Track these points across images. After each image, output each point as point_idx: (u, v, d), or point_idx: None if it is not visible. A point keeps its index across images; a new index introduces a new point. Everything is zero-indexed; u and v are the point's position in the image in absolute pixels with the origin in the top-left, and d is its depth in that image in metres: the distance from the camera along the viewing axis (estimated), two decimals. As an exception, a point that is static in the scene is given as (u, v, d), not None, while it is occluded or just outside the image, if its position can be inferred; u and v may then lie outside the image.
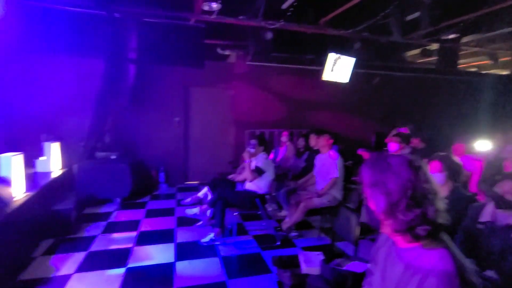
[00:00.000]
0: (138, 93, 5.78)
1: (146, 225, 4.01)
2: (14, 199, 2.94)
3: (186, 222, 4.12)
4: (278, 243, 3.52)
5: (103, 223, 4.03)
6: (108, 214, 4.39)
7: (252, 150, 3.74)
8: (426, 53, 6.01)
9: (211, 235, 3.46)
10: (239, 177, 4.02)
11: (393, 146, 3.91)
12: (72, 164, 4.80)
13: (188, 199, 4.47)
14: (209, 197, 4.29)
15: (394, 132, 5.12)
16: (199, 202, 4.42)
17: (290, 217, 3.75)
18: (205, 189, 4.24)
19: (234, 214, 3.46)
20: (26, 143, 4.74)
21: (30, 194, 3.26)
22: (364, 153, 5.96)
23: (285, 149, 5.24)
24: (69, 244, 3.37)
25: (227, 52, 6.73)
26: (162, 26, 5.75)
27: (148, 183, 5.74)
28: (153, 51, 5.66)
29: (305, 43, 6.43)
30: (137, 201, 5.04)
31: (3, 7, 4.00)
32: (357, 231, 1.98)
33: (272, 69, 6.79)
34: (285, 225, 3.73)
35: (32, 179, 3.78)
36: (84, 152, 5.05)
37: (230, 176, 4.24)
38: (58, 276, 2.73)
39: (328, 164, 3.75)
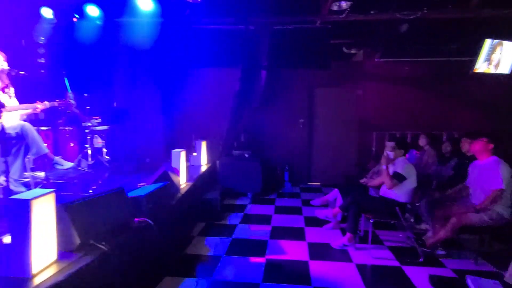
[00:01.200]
0: (267, 96, 6.20)
1: (277, 221, 4.24)
2: (181, 187, 3.60)
3: (315, 222, 4.15)
4: (421, 259, 3.12)
5: (240, 214, 4.49)
6: (243, 207, 4.86)
7: (391, 154, 3.44)
8: None
9: (343, 240, 3.37)
10: (373, 182, 3.77)
11: None
12: (214, 160, 5.55)
13: (317, 200, 4.49)
14: (336, 199, 4.20)
15: None
16: (327, 204, 4.39)
17: (435, 232, 3.27)
18: (333, 192, 4.17)
19: (370, 221, 3.26)
20: (182, 141, 5.76)
21: (189, 183, 3.93)
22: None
23: (423, 154, 4.62)
24: (217, 229, 3.90)
25: (353, 51, 6.46)
26: (290, 32, 5.99)
27: (274, 181, 6.08)
28: (282, 56, 5.97)
29: (447, 31, 5.52)
30: (266, 197, 5.41)
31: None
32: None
33: (405, 64, 6.13)
34: (429, 240, 3.27)
35: (189, 171, 4.54)
36: (223, 150, 5.76)
37: (362, 180, 4.03)
38: (212, 256, 3.18)
39: (488, 173, 3.09)
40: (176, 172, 3.61)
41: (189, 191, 3.73)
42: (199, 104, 6.33)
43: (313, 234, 3.78)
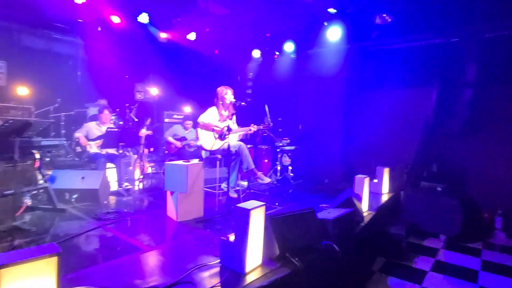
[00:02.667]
0: (472, 119, 5.02)
1: (487, 281, 3.24)
2: (364, 215, 3.43)
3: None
4: None
5: (431, 259, 3.76)
6: (434, 251, 4.06)
7: None
8: None
9: None
10: None
11: None
12: (397, 190, 4.99)
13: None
14: None
15: None
16: None
17: None
18: None
19: None
20: (361, 166, 5.56)
21: (371, 212, 3.68)
22: None
23: None
24: (401, 270, 3.42)
25: None
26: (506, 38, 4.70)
27: (478, 226, 4.76)
28: (495, 69, 4.74)
29: None
30: (466, 244, 4.30)
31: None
32: None
33: None
34: None
35: (369, 199, 4.28)
36: (408, 180, 5.10)
37: None
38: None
39: None
40: (359, 198, 3.48)
41: (372, 221, 3.49)
42: (381, 127, 5.94)
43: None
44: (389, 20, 5.25)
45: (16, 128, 2.73)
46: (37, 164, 3.10)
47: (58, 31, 6.06)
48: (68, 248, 2.40)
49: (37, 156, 3.07)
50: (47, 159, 4.16)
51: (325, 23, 5.71)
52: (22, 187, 3.12)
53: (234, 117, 3.88)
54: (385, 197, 4.66)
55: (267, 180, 3.66)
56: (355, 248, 3.00)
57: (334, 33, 5.76)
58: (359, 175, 3.65)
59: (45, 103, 5.68)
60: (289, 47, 6.51)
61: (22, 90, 5.07)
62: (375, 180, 4.93)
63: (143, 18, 5.68)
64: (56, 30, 6.02)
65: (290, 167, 5.43)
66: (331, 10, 5.29)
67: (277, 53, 6.78)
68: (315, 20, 5.66)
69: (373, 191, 4.84)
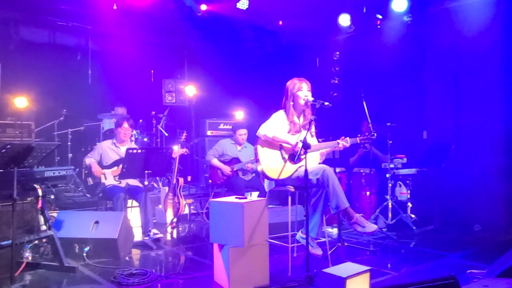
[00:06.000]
0: None
1: None
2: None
3: None
4: None
5: None
6: None
7: None
8: None
9: None
10: None
11: None
12: None
13: None
14: None
15: None
16: None
17: None
18: None
19: None
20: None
21: None
22: None
23: None
24: None
25: None
26: None
27: None
28: None
29: None
30: None
31: None
32: None
33: None
34: None
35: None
36: None
37: None
38: None
39: None
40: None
41: None
42: None
43: None
44: None
45: (14, 154, 3.16)
46: (39, 203, 3.52)
47: (64, 16, 6.92)
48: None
49: (40, 192, 3.49)
50: (52, 196, 4.70)
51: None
52: (22, 235, 3.58)
53: (313, 125, 3.89)
54: None
55: (371, 227, 3.54)
56: None
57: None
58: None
59: (47, 116, 6.49)
60: (399, 4, 6.35)
61: (20, 101, 5.86)
62: None
63: (174, -16, 6.17)
64: (61, 15, 6.88)
65: (409, 204, 5.19)
66: None
67: (379, 16, 6.67)
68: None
69: None
